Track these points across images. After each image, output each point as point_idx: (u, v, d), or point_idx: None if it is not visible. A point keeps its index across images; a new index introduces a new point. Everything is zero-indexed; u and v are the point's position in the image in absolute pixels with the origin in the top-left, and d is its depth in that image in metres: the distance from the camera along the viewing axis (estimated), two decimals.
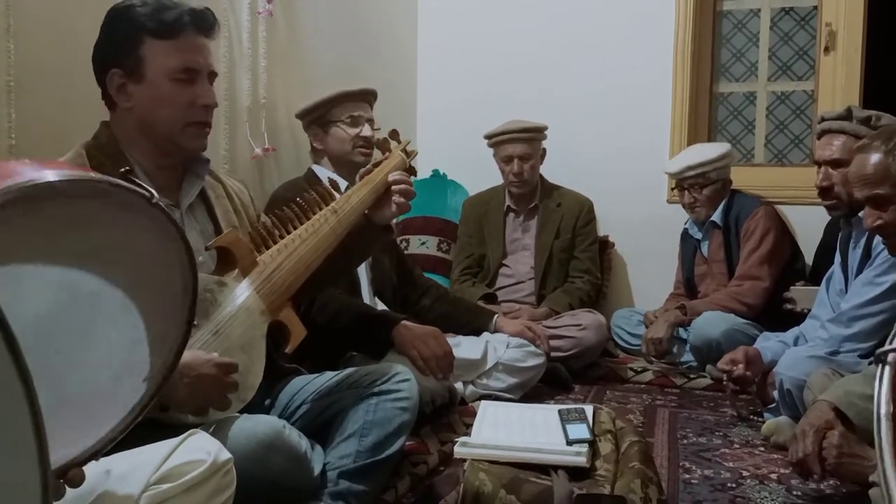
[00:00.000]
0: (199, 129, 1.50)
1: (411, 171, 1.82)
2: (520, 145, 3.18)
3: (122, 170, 1.06)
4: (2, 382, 0.61)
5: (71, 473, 0.88)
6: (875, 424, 1.11)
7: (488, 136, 3.25)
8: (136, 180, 0.93)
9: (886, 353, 1.17)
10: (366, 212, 1.69)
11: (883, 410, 1.11)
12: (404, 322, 2.13)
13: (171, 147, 1.50)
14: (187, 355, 1.24)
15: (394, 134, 1.88)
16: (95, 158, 1.43)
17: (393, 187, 1.71)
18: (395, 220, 1.86)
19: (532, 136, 3.20)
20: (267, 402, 1.66)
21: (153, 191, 0.94)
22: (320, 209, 1.61)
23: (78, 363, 0.89)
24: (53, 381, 0.85)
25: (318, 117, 2.48)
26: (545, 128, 3.24)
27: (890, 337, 1.21)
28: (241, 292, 1.43)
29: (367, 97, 2.53)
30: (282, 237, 1.55)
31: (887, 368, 1.15)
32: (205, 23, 1.49)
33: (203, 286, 1.34)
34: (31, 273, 0.83)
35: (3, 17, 1.62)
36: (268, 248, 1.52)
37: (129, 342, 0.94)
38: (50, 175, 0.78)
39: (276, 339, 1.54)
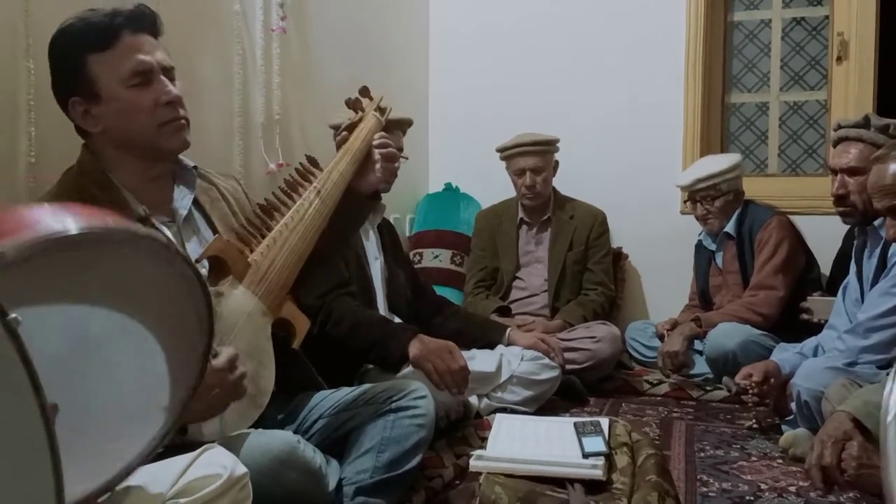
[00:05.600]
0: (173, 126, 1.44)
1: (388, 129, 1.73)
2: (532, 158, 3.18)
3: (142, 211, 1.00)
4: (24, 420, 0.63)
5: None
6: (882, 429, 1.05)
7: (500, 150, 3.26)
8: (156, 225, 0.92)
9: None
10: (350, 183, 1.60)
11: (891, 416, 1.05)
12: (420, 336, 2.13)
13: (154, 154, 1.45)
14: None
15: (364, 91, 1.74)
16: (82, 186, 1.39)
17: (376, 152, 1.63)
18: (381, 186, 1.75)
19: (544, 149, 3.21)
20: (280, 416, 1.67)
21: (171, 237, 0.93)
22: (303, 189, 1.55)
23: (98, 398, 0.89)
24: (73, 416, 0.85)
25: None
26: (557, 140, 3.24)
27: None
28: (240, 299, 1.41)
29: (402, 126, 2.48)
30: (269, 230, 1.50)
31: None
32: (141, 20, 1.42)
33: None
34: (47, 313, 0.82)
35: (22, 36, 1.65)
36: (258, 243, 1.47)
37: (150, 375, 0.94)
38: (71, 225, 0.76)
39: (282, 341, 1.50)
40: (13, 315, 0.65)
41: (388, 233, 2.56)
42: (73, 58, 1.39)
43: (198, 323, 0.98)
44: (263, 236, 1.49)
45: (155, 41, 1.44)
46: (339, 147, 1.65)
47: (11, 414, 0.65)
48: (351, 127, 1.67)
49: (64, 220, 0.76)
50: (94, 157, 1.45)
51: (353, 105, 1.72)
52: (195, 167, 1.57)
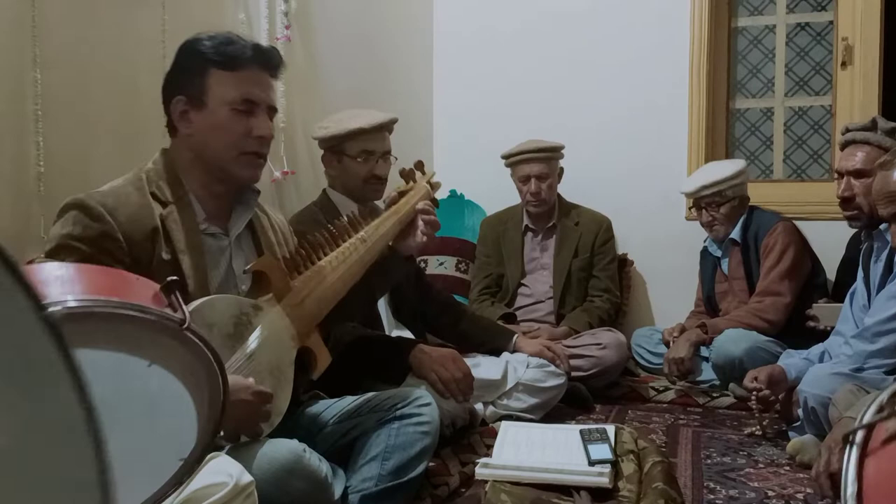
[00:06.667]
0: (252, 159, 1.53)
1: (434, 202, 1.86)
2: (536, 165, 3.18)
3: (168, 280, 0.96)
4: (63, 427, 0.62)
5: None
6: None
7: (505, 157, 3.26)
8: (176, 294, 0.93)
9: (855, 431, 1.13)
10: (390, 242, 1.72)
11: (850, 491, 1.08)
12: (421, 346, 2.13)
13: (223, 175, 1.53)
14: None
15: (419, 165, 1.92)
16: (153, 182, 1.48)
17: (420, 217, 1.75)
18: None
19: (549, 156, 3.21)
20: (287, 424, 1.67)
21: (187, 313, 0.93)
22: (350, 237, 1.65)
23: (120, 447, 0.89)
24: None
25: (331, 146, 2.47)
26: (561, 147, 3.24)
27: (860, 415, 1.17)
28: (275, 317, 1.45)
29: (384, 130, 2.49)
30: (313, 262, 1.58)
31: (854, 449, 1.12)
32: (268, 60, 1.54)
33: (240, 309, 1.38)
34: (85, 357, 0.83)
35: (29, 47, 1.66)
36: (300, 273, 1.54)
37: (175, 430, 0.95)
38: (71, 300, 0.77)
39: (301, 366, 1.55)
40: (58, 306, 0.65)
41: None
42: (198, 65, 1.49)
43: (209, 400, 0.97)
44: (307, 267, 1.56)
45: (272, 83, 1.57)
46: (387, 207, 1.78)
47: (50, 421, 0.65)
48: (403, 192, 1.81)
49: (71, 289, 0.78)
50: (171, 159, 1.53)
51: (406, 175, 1.88)
52: (258, 192, 1.63)
